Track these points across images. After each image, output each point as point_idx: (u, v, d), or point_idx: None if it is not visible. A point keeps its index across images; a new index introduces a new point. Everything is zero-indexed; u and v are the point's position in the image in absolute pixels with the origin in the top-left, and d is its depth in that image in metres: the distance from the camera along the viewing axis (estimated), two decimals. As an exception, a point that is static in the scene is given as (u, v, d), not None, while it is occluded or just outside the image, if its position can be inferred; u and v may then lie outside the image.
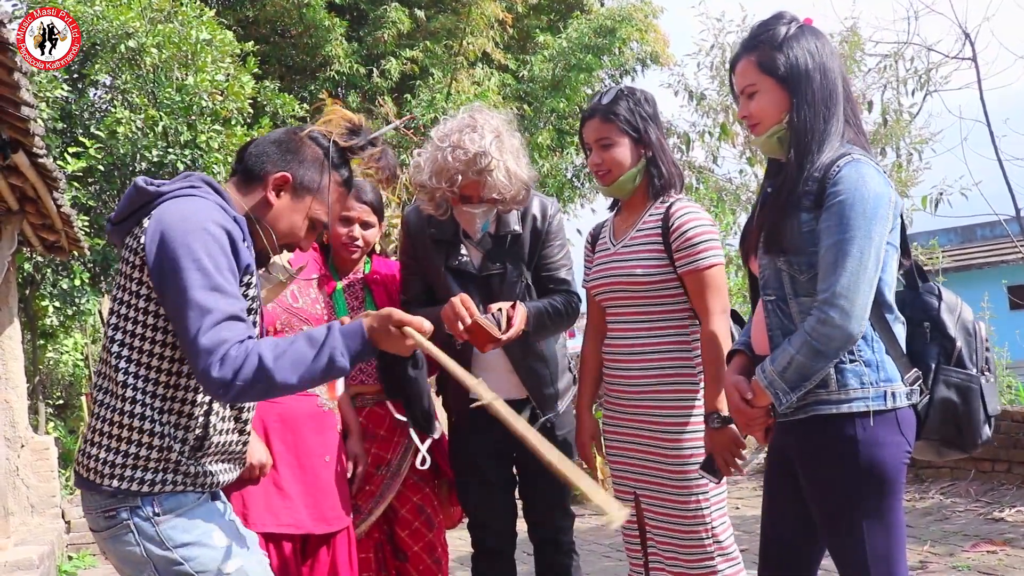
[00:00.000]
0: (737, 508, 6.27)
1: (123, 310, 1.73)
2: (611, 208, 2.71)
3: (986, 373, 2.00)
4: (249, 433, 1.92)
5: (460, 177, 2.53)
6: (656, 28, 12.35)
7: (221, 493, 1.92)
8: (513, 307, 2.53)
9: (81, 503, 1.83)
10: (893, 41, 7.51)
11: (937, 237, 13.41)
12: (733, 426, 2.26)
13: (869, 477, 1.90)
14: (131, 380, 1.71)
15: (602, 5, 12.79)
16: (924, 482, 6.04)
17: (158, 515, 1.71)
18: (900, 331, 1.99)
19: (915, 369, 1.98)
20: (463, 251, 2.71)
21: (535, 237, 2.73)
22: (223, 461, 1.83)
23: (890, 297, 1.96)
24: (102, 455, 1.72)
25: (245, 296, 1.77)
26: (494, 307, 2.50)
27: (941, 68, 7.11)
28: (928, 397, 1.97)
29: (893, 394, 1.92)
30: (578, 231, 13.08)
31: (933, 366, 1.98)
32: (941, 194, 7.18)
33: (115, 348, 1.71)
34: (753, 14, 11.72)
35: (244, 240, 1.78)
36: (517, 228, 2.71)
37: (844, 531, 1.96)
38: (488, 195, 2.57)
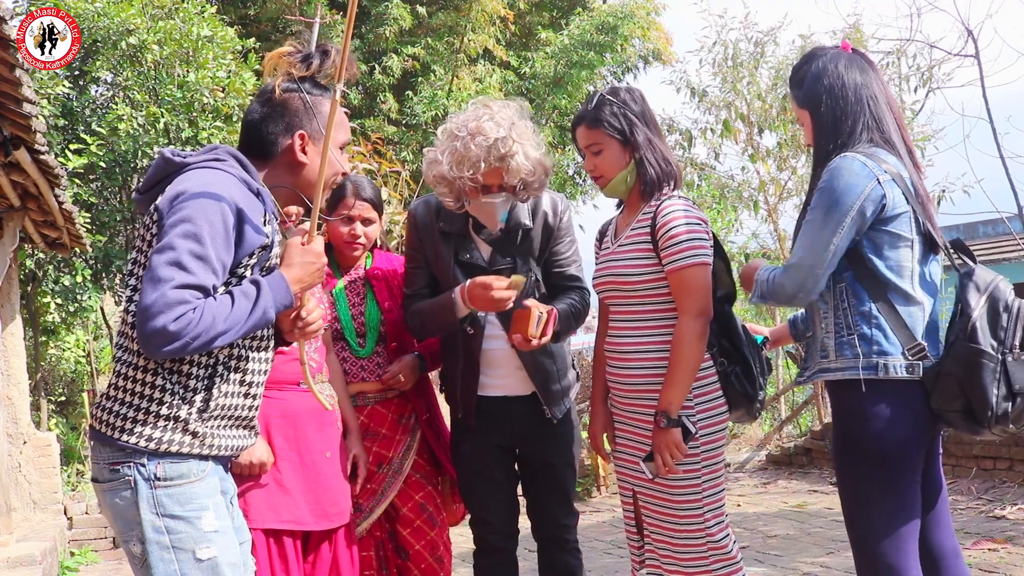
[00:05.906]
0: (738, 505, 6.27)
1: (140, 271, 1.78)
2: (618, 207, 2.71)
3: (1014, 350, 2.03)
4: (258, 397, 1.94)
5: (483, 164, 2.51)
6: (658, 25, 12.32)
7: (231, 488, 1.94)
8: (550, 314, 2.52)
9: (90, 454, 1.88)
10: (896, 38, 7.47)
11: (939, 234, 13.34)
12: (677, 430, 2.36)
13: (866, 449, 2.02)
14: None
15: (604, 2, 12.76)
16: (925, 480, 6.03)
17: (159, 479, 1.76)
18: (915, 312, 2.08)
19: (918, 341, 2.06)
20: (473, 245, 2.70)
21: (546, 233, 2.72)
22: (232, 427, 1.88)
23: (900, 281, 2.09)
24: (116, 408, 1.79)
25: (249, 267, 1.81)
26: (536, 309, 2.48)
27: (944, 65, 7.07)
28: (937, 370, 2.05)
29: (886, 365, 2.04)
30: (580, 227, 13.04)
31: (952, 340, 2.06)
32: (944, 191, 7.16)
33: (132, 307, 1.77)
34: (755, 11, 11.69)
35: (265, 214, 1.84)
36: (528, 223, 2.69)
37: (848, 499, 2.10)
38: (510, 181, 2.56)
